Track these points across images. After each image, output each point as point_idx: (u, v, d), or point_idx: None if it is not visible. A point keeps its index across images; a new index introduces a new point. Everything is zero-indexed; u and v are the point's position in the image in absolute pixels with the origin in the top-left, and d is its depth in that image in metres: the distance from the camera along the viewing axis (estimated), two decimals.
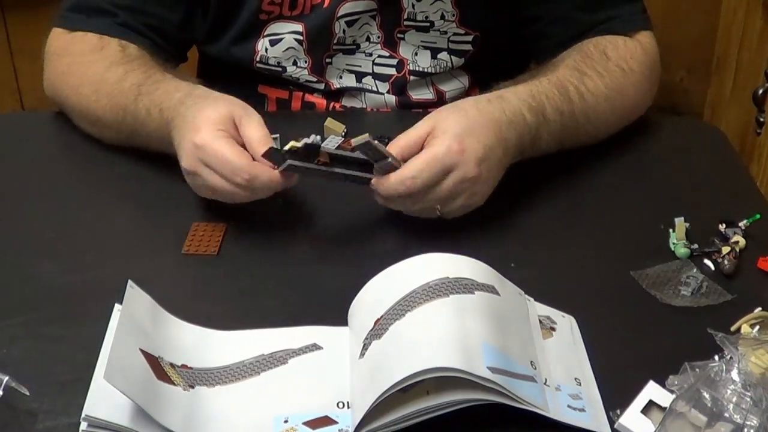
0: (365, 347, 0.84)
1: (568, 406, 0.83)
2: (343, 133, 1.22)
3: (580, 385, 0.86)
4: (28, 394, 0.82)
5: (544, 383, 0.84)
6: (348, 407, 0.83)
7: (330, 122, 1.22)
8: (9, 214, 1.10)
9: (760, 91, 1.60)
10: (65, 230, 1.07)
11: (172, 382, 0.83)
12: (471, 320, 0.83)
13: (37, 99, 2.04)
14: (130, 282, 0.88)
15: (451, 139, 0.99)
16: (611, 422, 0.82)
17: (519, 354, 0.84)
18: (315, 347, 0.89)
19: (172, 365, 0.85)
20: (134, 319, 0.86)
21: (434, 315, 0.83)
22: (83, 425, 0.78)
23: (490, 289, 0.88)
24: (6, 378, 0.82)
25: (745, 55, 1.81)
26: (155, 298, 0.91)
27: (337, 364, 0.87)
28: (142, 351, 0.83)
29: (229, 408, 0.83)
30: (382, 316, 0.85)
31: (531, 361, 0.85)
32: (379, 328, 0.84)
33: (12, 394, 0.82)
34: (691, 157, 1.24)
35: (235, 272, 1.01)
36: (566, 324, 0.93)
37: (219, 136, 0.99)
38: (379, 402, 0.78)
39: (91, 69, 1.18)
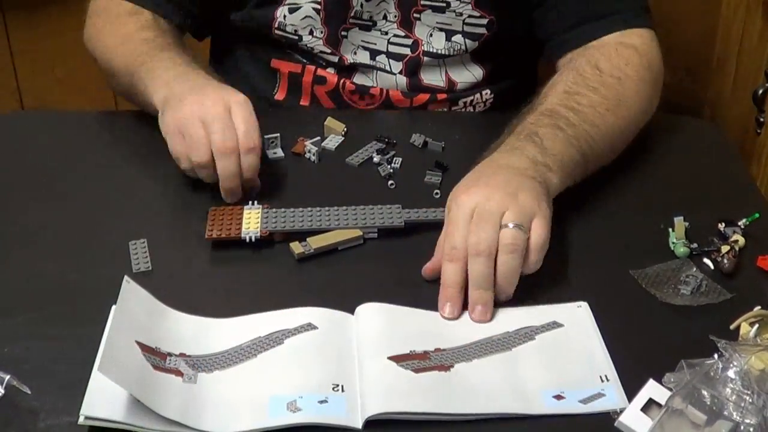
0: (421, 364, 0.87)
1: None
2: (344, 132, 1.23)
3: (608, 381, 0.87)
4: (29, 392, 0.82)
5: (605, 381, 0.87)
6: (343, 390, 0.84)
7: (330, 121, 1.23)
8: (9, 213, 1.10)
9: (760, 91, 1.59)
10: (65, 230, 1.07)
11: (171, 371, 0.84)
12: (530, 369, 0.87)
13: (37, 99, 2.04)
14: (126, 277, 0.88)
15: (456, 198, 0.98)
16: (612, 420, 0.83)
17: (586, 379, 0.87)
18: (310, 326, 0.91)
19: (169, 354, 0.86)
20: (130, 313, 0.87)
21: (498, 367, 0.88)
22: (81, 419, 0.79)
23: (552, 325, 0.92)
24: (7, 377, 0.82)
25: (745, 55, 1.81)
26: (156, 296, 0.92)
27: (331, 344, 0.89)
28: (139, 343, 0.84)
29: (227, 392, 0.84)
30: (446, 349, 0.89)
31: (600, 376, 0.87)
32: (442, 357, 0.88)
33: (13, 393, 0.82)
34: (691, 157, 1.24)
35: (233, 270, 1.01)
36: (584, 313, 0.95)
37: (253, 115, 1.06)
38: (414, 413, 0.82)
39: (124, 29, 1.24)
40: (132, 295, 0.88)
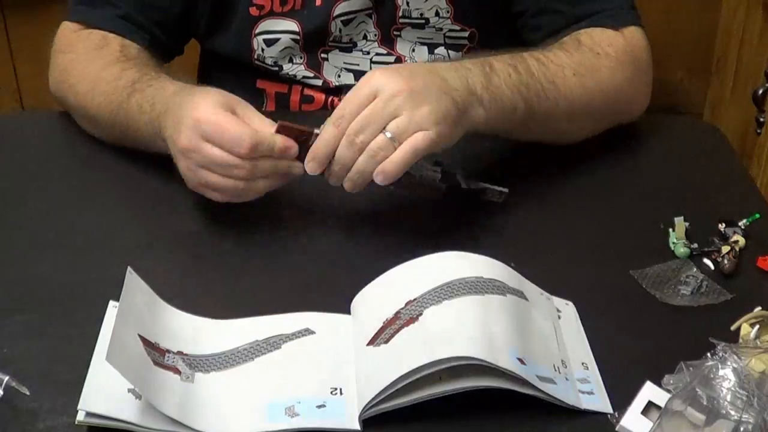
0: (392, 329, 0.86)
1: (579, 391, 0.85)
2: None
3: (587, 369, 0.88)
4: (28, 393, 0.82)
5: (557, 371, 0.86)
6: (341, 393, 0.84)
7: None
8: (9, 214, 1.10)
9: (760, 91, 1.60)
10: (65, 230, 1.07)
11: (169, 368, 0.84)
12: (501, 321, 0.85)
13: (37, 99, 2.04)
14: (129, 269, 0.88)
15: (370, 73, 0.98)
16: (611, 424, 0.83)
17: (542, 358, 0.86)
18: (308, 332, 0.90)
19: (168, 351, 0.86)
20: (133, 306, 0.87)
21: (469, 309, 0.85)
22: (80, 415, 0.79)
23: (519, 294, 0.90)
24: (6, 377, 0.82)
25: (745, 55, 1.81)
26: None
27: (329, 349, 0.89)
28: (141, 336, 0.84)
29: (224, 393, 0.84)
30: (416, 299, 0.87)
31: (554, 364, 0.86)
32: (412, 309, 0.86)
33: (12, 394, 0.82)
34: (691, 157, 1.23)
35: (229, 272, 1.01)
36: (570, 311, 0.94)
37: (219, 111, 0.97)
38: (391, 385, 0.80)
39: (89, 68, 1.19)
40: (135, 287, 0.88)
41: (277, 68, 1.28)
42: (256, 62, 1.28)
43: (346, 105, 0.97)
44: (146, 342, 0.85)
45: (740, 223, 1.05)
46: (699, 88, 2.00)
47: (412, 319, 0.85)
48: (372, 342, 0.86)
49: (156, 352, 0.85)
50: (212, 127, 0.97)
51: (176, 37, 1.30)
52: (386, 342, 0.85)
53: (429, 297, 0.87)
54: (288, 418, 0.82)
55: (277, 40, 1.26)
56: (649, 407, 0.82)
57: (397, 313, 0.87)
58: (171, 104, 1.04)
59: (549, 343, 0.89)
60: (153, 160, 1.14)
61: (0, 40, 2.00)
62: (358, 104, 0.96)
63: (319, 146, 0.98)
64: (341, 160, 0.97)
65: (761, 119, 1.63)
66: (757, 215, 1.05)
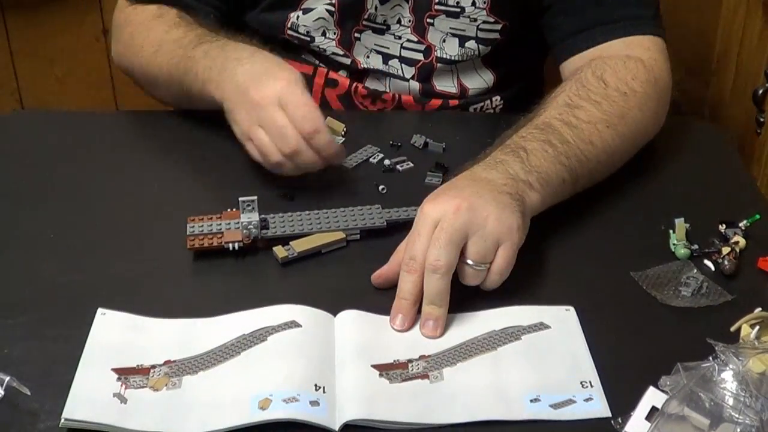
0: (404, 373, 0.87)
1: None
2: (343, 132, 1.22)
3: (591, 387, 0.87)
4: (29, 393, 0.82)
5: (584, 387, 0.87)
6: (324, 391, 0.84)
7: (330, 121, 1.22)
8: (9, 214, 1.10)
9: (760, 91, 1.59)
10: (65, 230, 1.07)
11: (151, 387, 0.85)
12: (514, 369, 0.88)
13: (37, 99, 2.04)
14: (99, 309, 0.91)
15: (421, 209, 0.96)
16: (614, 429, 0.83)
17: (563, 383, 0.87)
18: (294, 324, 0.91)
19: (153, 367, 0.87)
20: (101, 344, 0.89)
21: (482, 367, 0.88)
22: (62, 422, 0.80)
23: (538, 326, 0.92)
24: (7, 378, 0.82)
25: (745, 55, 1.81)
26: (155, 296, 0.93)
27: (315, 344, 0.89)
28: (115, 369, 0.86)
29: (211, 391, 0.85)
30: (430, 355, 0.89)
31: (581, 381, 0.87)
32: (426, 365, 0.88)
33: (13, 394, 0.82)
34: (691, 158, 1.23)
35: (218, 276, 1.01)
36: (571, 317, 0.94)
37: (301, 87, 1.05)
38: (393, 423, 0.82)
39: (153, 32, 1.23)
40: (105, 327, 0.91)
41: (309, 39, 1.29)
42: (288, 32, 1.29)
43: (413, 248, 0.93)
44: (123, 371, 0.86)
45: (740, 224, 1.05)
46: (699, 88, 1.99)
47: (425, 376, 0.87)
48: (379, 369, 0.87)
49: (138, 375, 0.86)
50: (292, 98, 1.04)
51: (238, 6, 1.31)
52: (395, 381, 0.86)
53: (444, 357, 0.89)
54: (271, 410, 0.82)
55: (313, 9, 1.27)
56: (653, 412, 0.82)
57: (408, 361, 0.88)
58: (248, 57, 1.10)
59: (577, 361, 0.89)
60: (154, 161, 1.14)
61: (0, 40, 2.00)
62: (424, 242, 0.92)
63: (401, 299, 0.93)
64: (433, 296, 0.92)
65: (761, 119, 1.63)
66: (758, 216, 1.05)
